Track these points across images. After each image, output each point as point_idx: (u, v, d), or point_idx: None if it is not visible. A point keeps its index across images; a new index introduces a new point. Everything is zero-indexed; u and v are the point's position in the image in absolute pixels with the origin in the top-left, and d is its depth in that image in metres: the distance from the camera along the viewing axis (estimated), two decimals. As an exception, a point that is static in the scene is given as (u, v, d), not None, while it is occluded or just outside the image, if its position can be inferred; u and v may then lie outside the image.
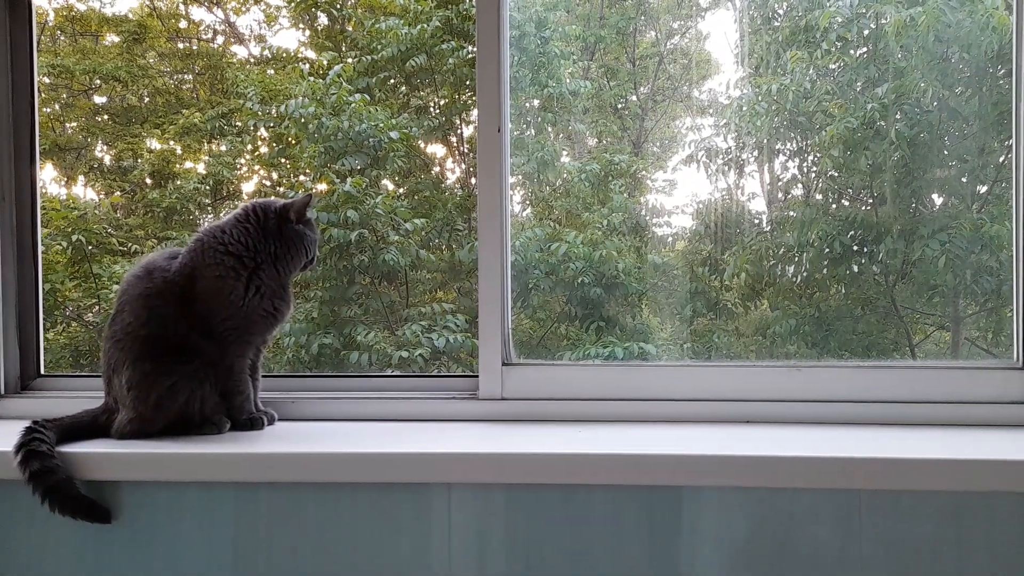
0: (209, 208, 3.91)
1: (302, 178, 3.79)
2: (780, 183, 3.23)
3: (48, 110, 4.04)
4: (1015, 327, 1.46)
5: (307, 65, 3.98)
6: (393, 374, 3.03)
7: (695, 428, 1.38)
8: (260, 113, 3.76)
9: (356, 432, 1.38)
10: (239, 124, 4.00)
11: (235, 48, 4.38)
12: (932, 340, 2.99)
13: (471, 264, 3.28)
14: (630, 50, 3.90)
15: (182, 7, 4.22)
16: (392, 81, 3.89)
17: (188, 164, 4.08)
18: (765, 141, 3.12)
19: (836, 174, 3.06)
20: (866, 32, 2.90)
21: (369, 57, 3.78)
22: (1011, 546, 1.14)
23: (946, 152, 2.82)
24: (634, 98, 3.95)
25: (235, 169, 4.03)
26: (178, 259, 1.34)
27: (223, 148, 4.05)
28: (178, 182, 3.88)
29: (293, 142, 3.77)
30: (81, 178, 4.09)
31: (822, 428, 1.36)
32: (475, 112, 1.51)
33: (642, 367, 1.51)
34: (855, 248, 2.87)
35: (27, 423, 1.23)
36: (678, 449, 1.20)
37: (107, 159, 4.12)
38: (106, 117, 4.23)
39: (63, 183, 4.07)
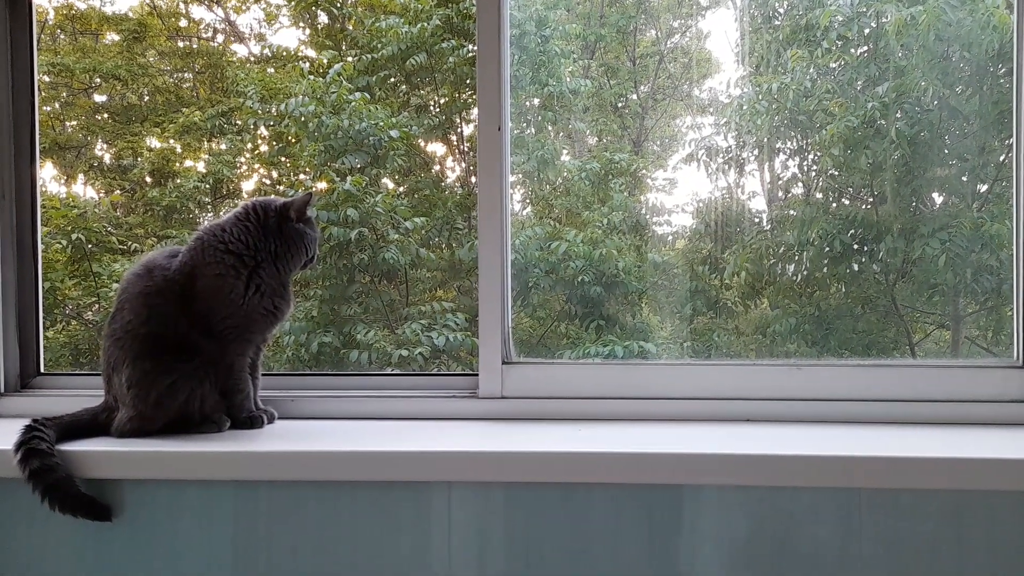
0: (209, 207, 3.91)
1: (302, 176, 3.79)
2: (780, 182, 3.23)
3: (48, 109, 4.04)
4: (1015, 326, 1.46)
5: (307, 64, 3.98)
6: (393, 372, 3.03)
7: (695, 427, 1.38)
8: (260, 112, 3.76)
9: (356, 430, 1.38)
10: (239, 123, 4.00)
11: (235, 47, 4.38)
12: (932, 339, 2.99)
13: (471, 263, 3.27)
14: (630, 49, 3.90)
15: (182, 6, 4.22)
16: (392, 80, 3.89)
17: (188, 163, 4.08)
18: (765, 140, 3.12)
19: (836, 173, 3.06)
20: (867, 31, 2.90)
21: (369, 56, 3.78)
22: (1011, 545, 1.14)
23: (946, 151, 2.82)
24: (634, 97, 3.95)
25: (235, 168, 4.02)
26: (178, 257, 1.34)
27: (223, 147, 4.05)
28: (178, 180, 3.88)
29: (293, 141, 3.77)
30: (81, 176, 4.08)
31: (822, 427, 1.36)
32: (475, 110, 1.51)
33: (642, 366, 1.51)
34: (855, 247, 2.87)
35: (27, 421, 1.23)
36: (678, 448, 1.21)
37: (107, 157, 4.12)
38: (106, 116, 4.23)
39: (63, 181, 4.07)
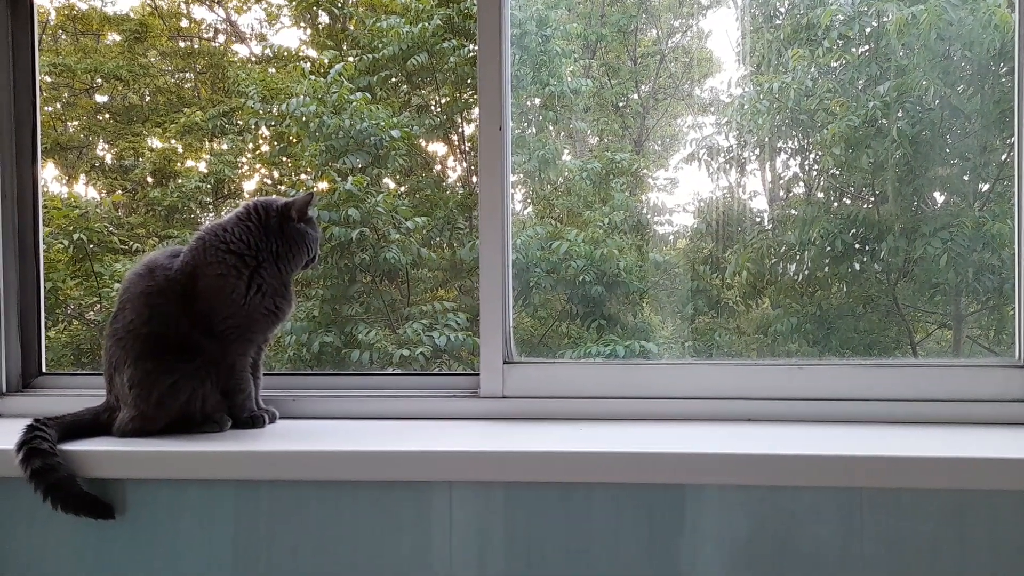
0: (210, 207, 3.91)
1: (303, 176, 3.79)
2: (781, 181, 3.23)
3: (50, 109, 4.04)
4: (1017, 325, 1.46)
5: (308, 64, 3.99)
6: (394, 372, 3.03)
7: (696, 426, 1.38)
8: (261, 112, 3.76)
9: (357, 430, 1.38)
10: (240, 123, 4.00)
11: (236, 47, 4.37)
12: (934, 338, 2.99)
13: (472, 262, 3.27)
14: (631, 48, 3.90)
15: (183, 6, 4.22)
16: (393, 79, 3.89)
17: (189, 163, 4.08)
18: (767, 139, 3.12)
19: (838, 172, 3.06)
20: (868, 30, 2.89)
21: (370, 55, 3.78)
22: (1012, 544, 1.14)
23: (948, 150, 2.81)
24: (635, 96, 3.95)
25: (236, 168, 4.03)
26: (180, 257, 1.34)
27: (224, 147, 4.05)
28: (179, 181, 3.88)
29: (294, 141, 3.77)
30: (82, 177, 4.09)
31: (823, 426, 1.36)
32: (476, 110, 1.51)
33: (643, 365, 1.51)
34: (856, 246, 2.87)
35: (29, 421, 1.23)
36: (679, 447, 1.20)
37: (108, 158, 4.12)
38: (107, 116, 4.23)
39: (64, 182, 4.07)
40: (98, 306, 3.55)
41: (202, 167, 4.05)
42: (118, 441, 1.28)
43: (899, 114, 2.74)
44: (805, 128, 3.07)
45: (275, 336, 1.49)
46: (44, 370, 1.63)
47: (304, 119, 3.50)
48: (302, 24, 4.28)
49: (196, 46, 4.28)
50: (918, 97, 2.72)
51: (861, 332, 2.94)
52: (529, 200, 3.69)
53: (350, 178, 3.36)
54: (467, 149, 3.88)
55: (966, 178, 2.83)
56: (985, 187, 2.72)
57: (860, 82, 2.92)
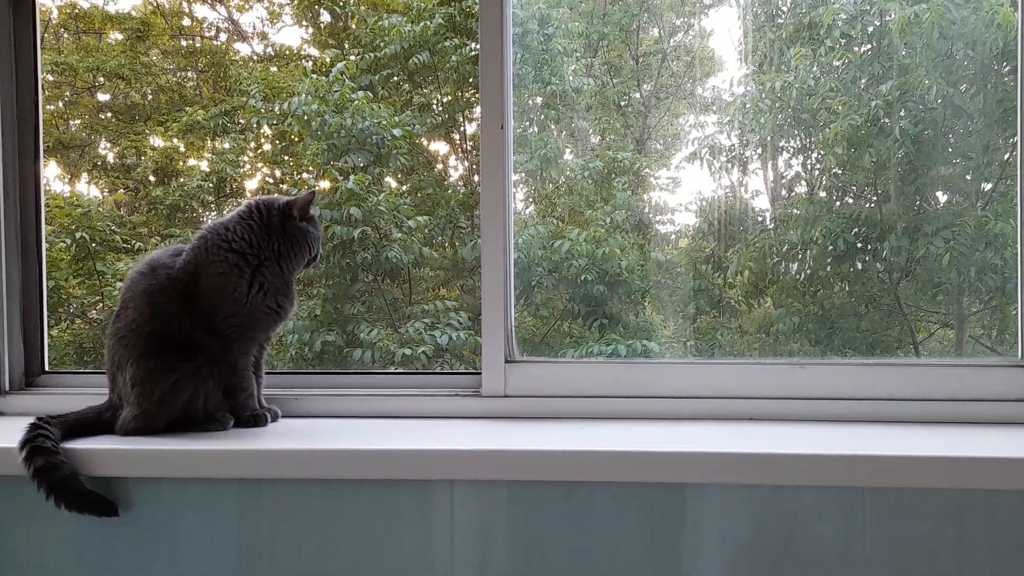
0: (212, 205, 3.91)
1: (305, 175, 3.79)
2: (784, 180, 3.23)
3: (52, 108, 4.05)
4: (1019, 325, 1.46)
5: (310, 62, 3.99)
6: (396, 371, 3.03)
7: (698, 425, 1.38)
8: (263, 110, 3.76)
9: (359, 429, 1.38)
10: (242, 121, 4.00)
11: (238, 46, 4.37)
12: (936, 338, 2.98)
13: (474, 261, 3.27)
14: (633, 47, 3.89)
15: (185, 5, 4.22)
16: (395, 78, 3.89)
17: (191, 161, 4.09)
18: (769, 138, 3.12)
19: (840, 171, 3.05)
20: (870, 29, 2.89)
21: (372, 54, 3.78)
22: (1013, 544, 1.14)
23: (950, 149, 2.81)
24: (637, 95, 3.94)
25: (238, 166, 4.03)
26: (182, 256, 1.35)
27: (226, 145, 4.05)
28: (181, 179, 3.88)
29: (296, 139, 3.77)
30: (85, 175, 4.09)
31: (825, 426, 1.36)
32: (478, 109, 1.51)
33: (645, 364, 1.51)
34: (859, 245, 2.87)
35: (31, 419, 1.24)
36: (681, 446, 1.20)
37: (111, 156, 4.12)
38: (109, 114, 4.24)
39: (67, 180, 4.07)
40: (100, 305, 3.56)
41: (204, 166, 4.05)
42: (121, 440, 1.28)
43: (901, 113, 2.74)
44: (807, 127, 3.07)
45: (277, 335, 1.49)
46: (47, 369, 1.64)
47: (306, 118, 3.50)
48: (304, 23, 4.28)
49: (198, 45, 4.28)
50: (920, 96, 2.71)
51: (863, 331, 2.94)
52: (531, 199, 3.68)
53: (352, 177, 3.36)
54: (469, 148, 3.88)
55: (968, 177, 2.82)
56: (988, 186, 2.72)
57: (862, 81, 2.91)
